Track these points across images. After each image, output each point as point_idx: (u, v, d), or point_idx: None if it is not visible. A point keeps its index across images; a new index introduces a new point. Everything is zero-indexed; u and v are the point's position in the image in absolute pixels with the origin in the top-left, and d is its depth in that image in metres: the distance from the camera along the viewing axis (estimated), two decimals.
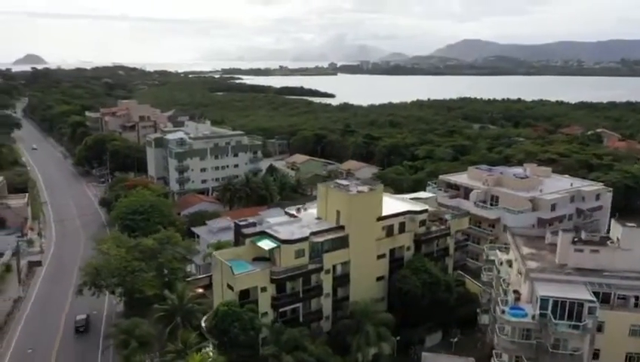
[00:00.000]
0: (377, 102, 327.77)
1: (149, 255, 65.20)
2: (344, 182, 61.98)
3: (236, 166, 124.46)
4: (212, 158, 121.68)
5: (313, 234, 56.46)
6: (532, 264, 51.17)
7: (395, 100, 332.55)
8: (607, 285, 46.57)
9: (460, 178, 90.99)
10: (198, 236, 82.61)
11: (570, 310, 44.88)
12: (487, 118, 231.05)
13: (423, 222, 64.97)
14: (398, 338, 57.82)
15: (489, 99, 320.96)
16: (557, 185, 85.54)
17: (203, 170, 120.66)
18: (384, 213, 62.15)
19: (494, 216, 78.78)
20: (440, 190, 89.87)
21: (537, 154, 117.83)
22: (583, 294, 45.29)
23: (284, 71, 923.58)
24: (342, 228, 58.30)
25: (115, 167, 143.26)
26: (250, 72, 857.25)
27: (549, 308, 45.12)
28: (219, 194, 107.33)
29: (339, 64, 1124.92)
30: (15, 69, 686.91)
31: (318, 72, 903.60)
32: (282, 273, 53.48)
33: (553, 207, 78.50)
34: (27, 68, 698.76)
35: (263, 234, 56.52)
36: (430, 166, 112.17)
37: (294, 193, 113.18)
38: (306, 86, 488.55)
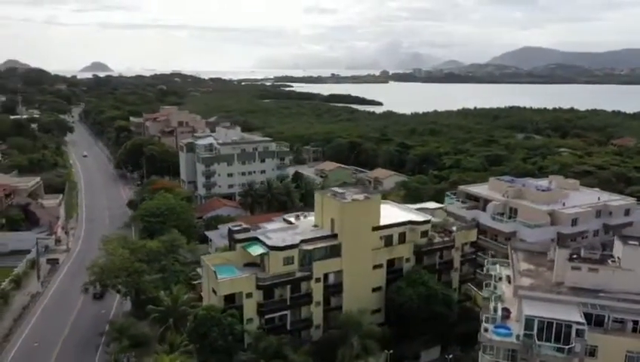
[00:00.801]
0: (424, 110, 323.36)
1: (152, 257, 66.58)
2: (340, 190, 61.15)
3: (263, 172, 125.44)
4: (239, 164, 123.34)
5: (304, 241, 56.03)
6: (525, 281, 48.54)
7: (441, 108, 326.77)
8: (602, 307, 43.49)
9: (481, 189, 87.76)
10: (211, 240, 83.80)
11: (557, 331, 42.17)
12: (532, 128, 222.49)
13: (424, 233, 63.17)
14: (391, 351, 56.38)
15: (538, 108, 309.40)
16: (583, 199, 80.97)
17: (230, 175, 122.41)
18: (384, 223, 61.19)
19: (509, 230, 75.22)
20: (458, 201, 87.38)
21: (572, 166, 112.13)
22: (572, 315, 42.46)
23: (335, 78, 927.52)
24: (335, 236, 57.58)
25: (152, 171, 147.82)
26: (302, 80, 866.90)
27: (535, 328, 42.57)
28: (241, 199, 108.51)
29: (391, 72, 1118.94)
30: (81, 76, 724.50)
31: (369, 79, 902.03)
32: (268, 279, 53.30)
33: (574, 222, 74.23)
34: (98, 75, 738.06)
35: (255, 240, 56.65)
36: (454, 176, 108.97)
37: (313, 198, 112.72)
38: (355, 94, 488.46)
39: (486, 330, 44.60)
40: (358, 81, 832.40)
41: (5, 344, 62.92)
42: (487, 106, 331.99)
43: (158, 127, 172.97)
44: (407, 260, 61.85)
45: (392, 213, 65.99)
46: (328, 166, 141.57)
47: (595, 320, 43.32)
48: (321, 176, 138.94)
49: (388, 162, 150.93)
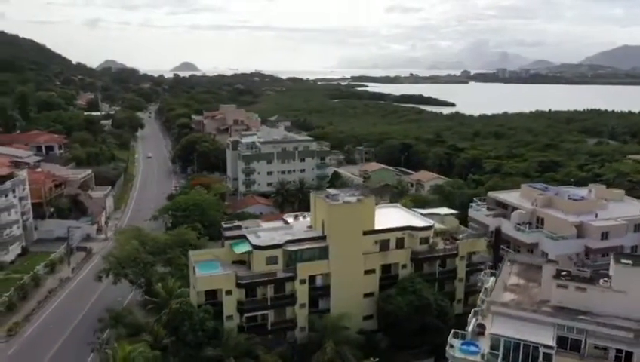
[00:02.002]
0: (496, 111, 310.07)
1: (160, 249, 68.87)
2: (334, 192, 60.00)
3: (302, 171, 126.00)
4: (278, 162, 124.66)
5: (290, 242, 55.60)
6: (507, 296, 45.09)
7: (516, 110, 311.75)
8: (579, 330, 39.40)
9: (511, 196, 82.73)
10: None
11: (524, 354, 38.80)
12: (607, 133, 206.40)
13: (425, 240, 60.55)
14: (377, 360, 54.46)
15: (621, 112, 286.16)
16: (624, 211, 73.96)
17: (269, 173, 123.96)
18: (382, 227, 59.44)
19: (531, 241, 70.15)
20: (485, 208, 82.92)
21: (630, 175, 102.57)
22: (543, 337, 38.84)
23: (413, 78, 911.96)
24: (324, 238, 56.61)
25: (203, 167, 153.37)
26: (379, 80, 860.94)
27: (501, 348, 39.41)
28: (273, 197, 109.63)
29: (473, 72, 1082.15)
30: (169, 75, 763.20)
31: (448, 80, 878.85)
32: (248, 278, 53.42)
33: (605, 236, 67.91)
34: (184, 74, 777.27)
35: (244, 239, 56.95)
36: (491, 181, 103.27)
37: None
38: (428, 94, 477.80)
39: (451, 346, 41.89)
40: (436, 82, 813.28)
41: (25, 323, 67.73)
42: (569, 108, 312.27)
43: (215, 124, 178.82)
44: (404, 267, 59.53)
45: (395, 218, 63.99)
46: (372, 167, 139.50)
47: (571, 345, 39.37)
48: (364, 177, 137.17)
49: (437, 165, 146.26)
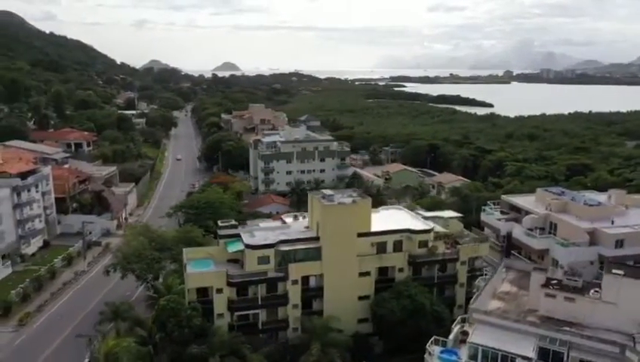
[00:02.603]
0: (537, 112, 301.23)
1: (166, 246, 70.03)
2: (330, 193, 59.43)
3: (322, 171, 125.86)
4: (298, 162, 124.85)
5: (283, 242, 55.47)
6: (494, 304, 43.63)
7: (554, 111, 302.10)
8: (562, 342, 37.66)
9: (525, 200, 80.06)
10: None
11: None
12: None
13: (423, 243, 59.24)
14: None
15: None
16: None
17: (288, 172, 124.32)
18: (382, 229, 58.59)
19: (541, 247, 67.62)
20: (499, 211, 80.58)
21: None
22: (522, 348, 37.32)
23: (453, 79, 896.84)
24: (318, 239, 56.20)
25: (228, 165, 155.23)
26: (417, 80, 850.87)
27: (479, 357, 38.13)
28: (289, 196, 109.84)
29: (515, 72, 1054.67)
30: (210, 75, 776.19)
31: (489, 80, 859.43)
32: (238, 277, 53.58)
33: (620, 244, 64.74)
34: (224, 74, 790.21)
35: (238, 237, 57.17)
36: (510, 185, 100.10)
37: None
38: (466, 95, 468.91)
39: (430, 354, 40.80)
40: (476, 82, 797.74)
41: (37, 313, 70.13)
42: (614, 110, 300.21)
43: (242, 124, 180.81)
44: (401, 270, 58.44)
45: (396, 220, 62.91)
46: (393, 168, 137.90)
47: (553, 357, 37.65)
48: (386, 178, 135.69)
49: (462, 167, 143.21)
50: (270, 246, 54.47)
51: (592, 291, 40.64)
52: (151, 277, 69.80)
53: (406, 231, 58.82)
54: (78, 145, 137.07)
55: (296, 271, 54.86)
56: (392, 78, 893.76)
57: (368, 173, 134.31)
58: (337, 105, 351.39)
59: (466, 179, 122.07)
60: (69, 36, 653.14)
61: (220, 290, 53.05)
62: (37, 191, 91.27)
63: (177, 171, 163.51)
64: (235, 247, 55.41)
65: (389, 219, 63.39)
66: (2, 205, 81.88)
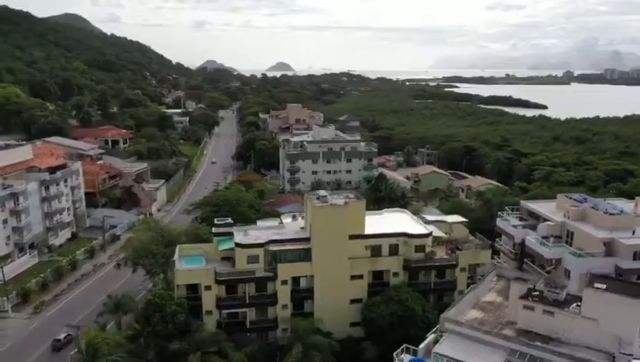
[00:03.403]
0: (593, 115, 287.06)
1: (172, 242, 71.35)
2: (324, 194, 58.72)
3: (349, 171, 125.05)
4: (324, 162, 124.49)
5: (273, 241, 55.35)
6: (472, 314, 41.69)
7: (611, 114, 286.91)
8: (533, 358, 35.47)
9: (544, 206, 76.35)
10: None
11: None
12: None
13: (420, 248, 57.60)
14: None
15: None
16: None
17: (314, 172, 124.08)
18: (377, 232, 57.50)
19: (553, 256, 64.20)
20: (516, 218, 77.26)
21: None
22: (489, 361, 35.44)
23: (509, 79, 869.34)
24: (309, 240, 55.71)
25: (260, 164, 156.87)
26: (471, 81, 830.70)
27: None
28: None
29: (577, 73, 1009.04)
30: (265, 74, 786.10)
31: (547, 81, 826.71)
32: (226, 275, 53.87)
33: (638, 256, 60.69)
34: (276, 74, 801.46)
35: (231, 236, 57.50)
36: (534, 191, 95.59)
37: (393, 203, 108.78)
38: (519, 96, 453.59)
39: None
40: (533, 83, 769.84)
41: (52, 302, 73.40)
42: None
43: (277, 123, 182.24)
44: (396, 274, 57.14)
45: (396, 223, 61.52)
46: (423, 170, 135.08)
47: None
48: (415, 181, 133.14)
49: (496, 170, 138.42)
50: (259, 245, 54.50)
51: (574, 305, 38.07)
52: (160, 271, 71.39)
53: (402, 234, 57.42)
54: (115, 142, 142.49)
55: (285, 271, 54.64)
56: (445, 79, 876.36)
57: (397, 175, 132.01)
58: (383, 106, 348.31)
59: (495, 183, 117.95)
60: (128, 37, 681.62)
61: (208, 287, 53.57)
62: (66, 186, 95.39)
63: (212, 169, 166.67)
64: (226, 245, 55.84)
65: (389, 222, 62.17)
66: (30, 198, 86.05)
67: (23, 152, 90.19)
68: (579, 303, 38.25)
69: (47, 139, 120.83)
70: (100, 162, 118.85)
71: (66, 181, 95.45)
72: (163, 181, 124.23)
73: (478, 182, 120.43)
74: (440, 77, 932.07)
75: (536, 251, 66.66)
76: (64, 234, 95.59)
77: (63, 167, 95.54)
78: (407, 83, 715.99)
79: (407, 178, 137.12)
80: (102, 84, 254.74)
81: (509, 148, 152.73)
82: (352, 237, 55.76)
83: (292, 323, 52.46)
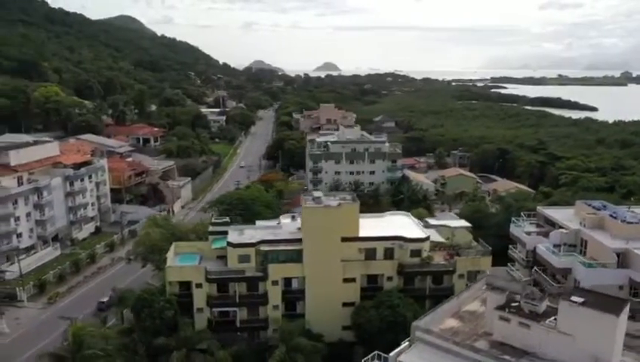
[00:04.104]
0: None
1: (181, 239, 72.56)
2: (318, 195, 58.17)
3: (372, 173, 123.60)
4: (347, 163, 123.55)
5: (265, 242, 55.29)
6: (449, 323, 40.15)
7: None
8: None
9: (563, 213, 72.98)
10: None
11: None
12: None
13: (416, 252, 56.17)
14: None
15: None
16: None
17: (337, 173, 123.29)
18: (371, 234, 56.55)
19: (562, 265, 61.34)
20: (532, 224, 74.30)
21: None
22: None
23: (561, 80, 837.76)
24: (301, 241, 55.32)
25: (289, 164, 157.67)
26: (521, 81, 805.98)
27: None
28: None
29: (635, 73, 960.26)
30: (312, 75, 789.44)
31: (602, 82, 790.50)
32: (216, 273, 54.20)
33: None
34: (321, 74, 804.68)
35: (226, 234, 57.82)
36: (560, 195, 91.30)
37: (414, 206, 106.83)
38: (568, 97, 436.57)
39: None
40: (587, 84, 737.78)
41: (66, 293, 76.18)
42: None
43: (308, 123, 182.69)
44: (390, 279, 55.93)
45: (396, 226, 60.23)
46: (449, 172, 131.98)
47: None
48: (441, 183, 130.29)
49: (528, 174, 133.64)
50: (250, 245, 54.56)
51: (553, 318, 35.99)
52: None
53: (397, 238, 56.13)
54: (147, 140, 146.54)
55: (275, 271, 54.48)
56: (493, 79, 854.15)
57: (423, 177, 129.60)
58: (423, 106, 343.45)
59: (523, 187, 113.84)
60: (177, 38, 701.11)
61: (199, 285, 54.07)
62: (90, 181, 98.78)
63: (241, 169, 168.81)
64: (219, 244, 56.25)
65: (388, 225, 60.94)
66: (54, 193, 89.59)
67: (50, 149, 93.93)
68: (555, 317, 36.22)
69: (80, 136, 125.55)
70: (128, 159, 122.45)
71: (90, 177, 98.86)
72: (188, 179, 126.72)
73: (504, 186, 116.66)
74: (488, 77, 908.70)
75: (546, 260, 64.12)
76: (88, 229, 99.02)
77: (87, 163, 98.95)
78: (454, 83, 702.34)
79: (435, 181, 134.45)
80: (145, 84, 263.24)
81: (543, 152, 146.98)
82: (344, 239, 54.96)
83: (275, 324, 52.16)
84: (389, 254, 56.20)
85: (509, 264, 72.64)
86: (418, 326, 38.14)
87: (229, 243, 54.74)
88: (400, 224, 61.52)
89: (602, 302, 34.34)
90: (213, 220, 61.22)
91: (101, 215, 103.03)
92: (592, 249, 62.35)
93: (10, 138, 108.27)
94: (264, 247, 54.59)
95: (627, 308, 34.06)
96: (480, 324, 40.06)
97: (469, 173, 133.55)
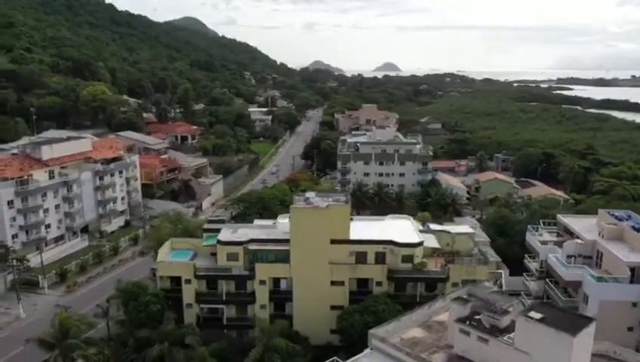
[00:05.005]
0: None
1: (189, 235, 74.04)
2: (309, 195, 57.46)
3: (402, 175, 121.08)
4: (376, 164, 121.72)
5: (253, 241, 55.31)
6: (413, 332, 38.60)
7: None
8: None
9: (584, 223, 68.43)
10: None
11: None
12: None
13: (408, 258, 54.44)
14: None
15: None
16: None
17: (366, 174, 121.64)
18: (360, 237, 55.43)
19: (571, 278, 57.55)
20: (551, 233, 70.23)
21: None
22: None
23: (635, 81, 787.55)
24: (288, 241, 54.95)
25: (325, 164, 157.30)
26: (590, 83, 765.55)
27: None
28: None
29: None
30: (370, 75, 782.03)
31: None
32: (204, 270, 54.75)
33: None
34: (378, 74, 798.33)
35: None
36: (590, 203, 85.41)
37: (439, 209, 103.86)
38: (637, 100, 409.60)
39: None
40: None
41: (84, 283, 79.50)
42: None
43: (348, 123, 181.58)
44: (379, 284, 54.53)
45: (394, 230, 58.66)
46: (485, 176, 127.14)
47: None
48: (475, 187, 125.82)
49: (570, 180, 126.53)
50: (238, 243, 54.80)
51: (511, 335, 33.66)
52: None
53: (389, 242, 54.61)
54: (184, 138, 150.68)
55: (262, 271, 54.47)
56: (560, 80, 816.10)
57: (456, 181, 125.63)
58: (477, 108, 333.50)
59: (561, 193, 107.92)
60: (237, 39, 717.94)
61: (188, 281, 54.90)
62: (120, 176, 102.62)
63: (280, 167, 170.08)
64: (210, 241, 56.85)
65: (385, 228, 59.46)
66: (84, 186, 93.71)
67: (82, 145, 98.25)
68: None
69: (120, 133, 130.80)
70: (163, 156, 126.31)
71: (120, 172, 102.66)
72: (220, 176, 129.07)
73: (540, 192, 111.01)
74: (554, 78, 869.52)
75: (556, 271, 60.48)
76: (117, 222, 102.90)
77: (118, 159, 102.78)
78: (515, 84, 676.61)
79: (470, 185, 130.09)
80: (197, 83, 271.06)
81: (591, 157, 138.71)
82: (334, 241, 54.12)
83: (259, 323, 52.04)
84: (380, 258, 54.84)
85: (524, 274, 69.30)
86: (374, 334, 36.99)
87: (218, 241, 55.26)
88: (398, 228, 59.87)
89: (563, 319, 31.96)
90: (208, 218, 61.82)
91: (131, 209, 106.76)
92: (607, 262, 58.40)
93: (51, 134, 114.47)
94: (252, 246, 54.68)
95: (591, 328, 31.44)
96: (445, 336, 38.26)
97: (504, 178, 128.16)
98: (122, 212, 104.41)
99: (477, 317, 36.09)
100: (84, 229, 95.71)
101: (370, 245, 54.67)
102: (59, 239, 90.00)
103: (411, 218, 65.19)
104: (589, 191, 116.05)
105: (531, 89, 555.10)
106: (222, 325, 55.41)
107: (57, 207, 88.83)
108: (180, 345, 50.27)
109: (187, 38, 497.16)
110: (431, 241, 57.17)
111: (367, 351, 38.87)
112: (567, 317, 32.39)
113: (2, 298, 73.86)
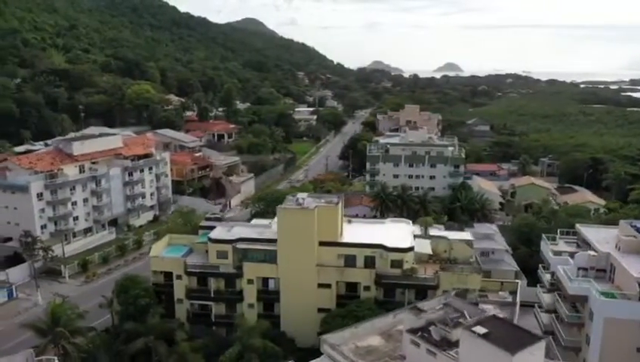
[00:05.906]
0: None
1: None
2: (302, 196, 56.91)
3: (432, 177, 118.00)
4: (406, 166, 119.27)
5: (242, 240, 55.54)
6: (371, 340, 37.42)
7: None
8: None
9: (604, 234, 63.96)
10: None
11: None
12: None
13: (397, 263, 52.94)
14: None
15: None
16: None
17: (395, 176, 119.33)
18: (352, 240, 54.53)
19: (574, 292, 53.96)
20: (570, 243, 66.26)
21: None
22: None
23: None
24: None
25: (361, 165, 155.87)
26: None
27: None
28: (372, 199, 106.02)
29: None
30: (432, 75, 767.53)
31: None
32: (193, 267, 55.54)
33: None
34: (439, 75, 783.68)
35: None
36: (627, 212, 79.36)
37: (467, 215, 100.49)
38: None
39: None
40: None
41: (104, 274, 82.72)
42: None
43: (388, 124, 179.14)
44: (367, 288, 53.34)
45: (390, 234, 57.23)
46: (521, 181, 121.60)
47: None
48: (511, 193, 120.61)
49: (617, 186, 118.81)
50: (227, 241, 55.20)
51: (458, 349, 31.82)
52: None
53: (378, 246, 53.29)
54: (221, 136, 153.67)
55: (250, 270, 54.68)
56: (632, 82, 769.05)
57: (490, 185, 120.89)
58: (535, 110, 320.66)
59: (598, 200, 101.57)
60: (300, 40, 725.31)
61: (179, 277, 55.93)
62: (150, 173, 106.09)
63: (316, 168, 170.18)
64: (204, 238, 57.59)
65: (381, 232, 58.07)
66: (113, 181, 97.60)
67: (114, 141, 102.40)
68: None
69: (158, 130, 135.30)
70: (197, 154, 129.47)
71: (150, 168, 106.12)
72: (251, 175, 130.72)
73: (579, 199, 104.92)
74: (627, 80, 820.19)
75: (560, 282, 57.08)
76: (146, 217, 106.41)
77: (148, 156, 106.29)
78: (582, 86, 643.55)
79: (506, 190, 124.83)
80: (248, 82, 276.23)
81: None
82: (322, 243, 53.47)
83: (240, 322, 52.18)
84: (369, 262, 53.69)
85: (538, 285, 66.01)
86: (326, 340, 36.15)
87: (209, 239, 55.98)
88: (394, 232, 58.30)
89: (509, 336, 29.91)
90: (206, 216, 62.68)
91: (160, 205, 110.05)
92: (618, 276, 54.57)
93: (91, 131, 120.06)
94: (240, 245, 54.93)
95: (537, 347, 29.26)
96: (401, 346, 36.84)
97: (542, 183, 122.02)
98: (151, 207, 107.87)
99: (428, 328, 34.54)
100: (113, 223, 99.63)
101: (359, 248, 53.63)
102: (87, 231, 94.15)
103: (410, 222, 63.25)
104: (634, 199, 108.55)
105: (598, 90, 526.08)
106: (211, 322, 55.99)
107: (86, 200, 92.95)
108: (166, 340, 51.49)
109: (243, 38, 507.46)
110: (425, 247, 55.27)
111: (322, 357, 38.12)
112: (514, 334, 30.29)
113: (27, 285, 78.15)
